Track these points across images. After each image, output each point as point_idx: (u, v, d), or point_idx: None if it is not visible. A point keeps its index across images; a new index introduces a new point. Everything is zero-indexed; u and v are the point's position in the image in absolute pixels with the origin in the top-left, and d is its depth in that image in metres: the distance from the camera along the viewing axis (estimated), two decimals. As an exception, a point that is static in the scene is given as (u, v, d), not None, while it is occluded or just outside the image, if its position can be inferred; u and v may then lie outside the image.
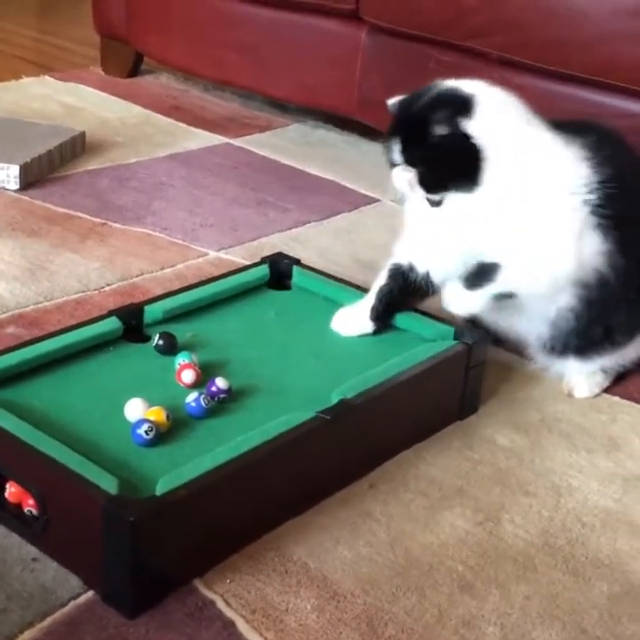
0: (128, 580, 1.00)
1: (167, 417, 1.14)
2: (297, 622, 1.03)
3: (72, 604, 1.02)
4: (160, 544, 1.01)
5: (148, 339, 1.33)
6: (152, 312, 1.36)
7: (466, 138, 1.31)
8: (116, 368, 1.27)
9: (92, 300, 1.61)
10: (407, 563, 1.12)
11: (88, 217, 1.90)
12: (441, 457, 1.31)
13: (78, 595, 1.03)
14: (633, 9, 1.87)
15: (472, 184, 1.32)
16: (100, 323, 1.32)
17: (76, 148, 2.18)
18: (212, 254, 1.81)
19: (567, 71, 1.96)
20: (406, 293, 1.43)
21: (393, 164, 1.36)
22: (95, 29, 2.79)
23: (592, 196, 1.36)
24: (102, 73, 2.81)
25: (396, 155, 1.35)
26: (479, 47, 2.06)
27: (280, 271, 1.53)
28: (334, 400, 1.21)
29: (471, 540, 1.17)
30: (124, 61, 2.79)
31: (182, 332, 1.34)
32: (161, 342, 1.30)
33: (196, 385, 1.23)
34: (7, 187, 1.97)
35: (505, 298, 1.39)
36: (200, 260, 1.79)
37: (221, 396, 1.20)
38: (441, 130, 1.31)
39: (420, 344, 1.36)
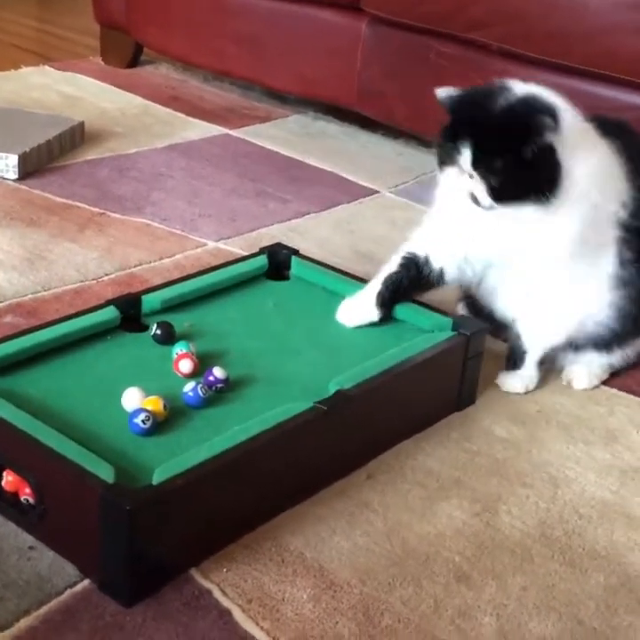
0: (124, 568, 1.00)
1: (164, 406, 1.14)
2: (293, 612, 1.03)
3: (68, 592, 1.02)
4: (157, 533, 1.01)
5: (145, 328, 1.33)
6: (150, 302, 1.36)
7: (553, 151, 1.26)
8: (114, 357, 1.27)
9: (91, 290, 1.60)
10: (404, 553, 1.12)
11: (87, 207, 1.90)
12: (439, 448, 1.31)
13: (75, 583, 1.03)
14: (633, 1, 1.86)
15: (550, 198, 1.27)
16: (98, 312, 1.32)
17: (75, 137, 2.17)
18: (211, 245, 1.81)
19: (568, 63, 1.96)
20: (415, 285, 1.40)
21: (453, 167, 1.30)
22: (95, 19, 2.79)
23: (625, 211, 1.36)
24: (102, 63, 2.81)
25: (465, 161, 1.28)
26: (480, 38, 2.06)
27: (278, 261, 1.52)
28: (332, 391, 1.20)
29: (468, 531, 1.17)
30: (124, 51, 2.78)
31: (180, 321, 1.34)
32: (159, 332, 1.30)
33: (193, 374, 1.23)
34: (6, 176, 1.96)
35: None
36: (199, 250, 1.78)
37: (219, 385, 1.20)
38: (534, 143, 1.24)
39: (418, 335, 1.36)
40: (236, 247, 1.80)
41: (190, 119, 2.45)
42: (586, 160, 1.31)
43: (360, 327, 1.40)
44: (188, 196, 2.00)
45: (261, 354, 1.31)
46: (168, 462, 1.04)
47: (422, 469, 1.26)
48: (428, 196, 2.07)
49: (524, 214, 1.30)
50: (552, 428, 1.38)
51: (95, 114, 2.39)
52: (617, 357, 1.48)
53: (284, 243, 1.59)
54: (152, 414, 1.12)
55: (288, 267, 1.52)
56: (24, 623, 0.98)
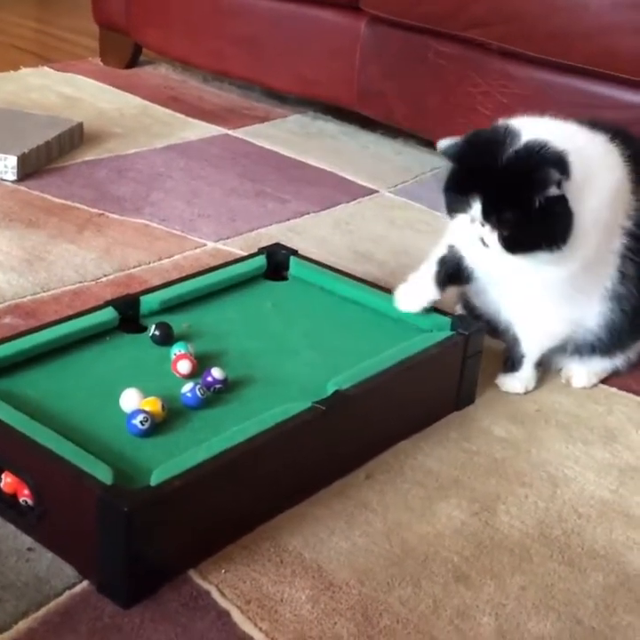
0: (123, 569, 1.00)
1: (163, 407, 1.14)
2: (292, 612, 1.03)
3: (67, 593, 1.02)
4: (155, 534, 1.01)
5: (144, 329, 1.33)
6: (148, 302, 1.36)
7: (564, 200, 1.25)
8: (112, 358, 1.27)
9: (89, 291, 1.60)
10: (403, 553, 1.12)
11: (86, 208, 1.90)
12: (437, 448, 1.31)
13: (73, 584, 1.03)
14: (633, 0, 1.86)
15: (561, 245, 1.27)
16: (97, 313, 1.32)
17: (74, 138, 2.17)
18: (210, 245, 1.81)
19: (567, 62, 1.95)
20: (458, 273, 1.39)
21: (463, 214, 1.29)
22: (94, 20, 2.79)
23: (631, 221, 1.36)
24: (101, 64, 2.81)
25: (476, 212, 1.27)
26: (479, 38, 2.05)
27: (277, 262, 1.52)
28: (330, 391, 1.20)
29: (467, 531, 1.17)
30: (123, 52, 2.78)
31: (179, 322, 1.34)
32: (157, 332, 1.30)
33: (191, 375, 1.23)
34: (5, 177, 1.96)
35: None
36: (198, 250, 1.78)
37: (217, 386, 1.20)
38: (545, 195, 1.23)
39: (417, 334, 1.36)
40: (235, 247, 1.80)
41: (189, 119, 2.45)
42: (598, 192, 1.30)
43: (367, 325, 1.39)
44: (186, 196, 2.00)
45: (260, 354, 1.31)
46: (166, 463, 1.04)
47: (421, 469, 1.26)
48: (428, 196, 2.08)
49: (536, 258, 1.30)
50: (551, 428, 1.38)
51: (94, 114, 2.40)
52: (617, 360, 1.48)
53: (283, 243, 1.59)
54: (150, 415, 1.12)
55: (287, 267, 1.52)
56: (23, 625, 0.98)
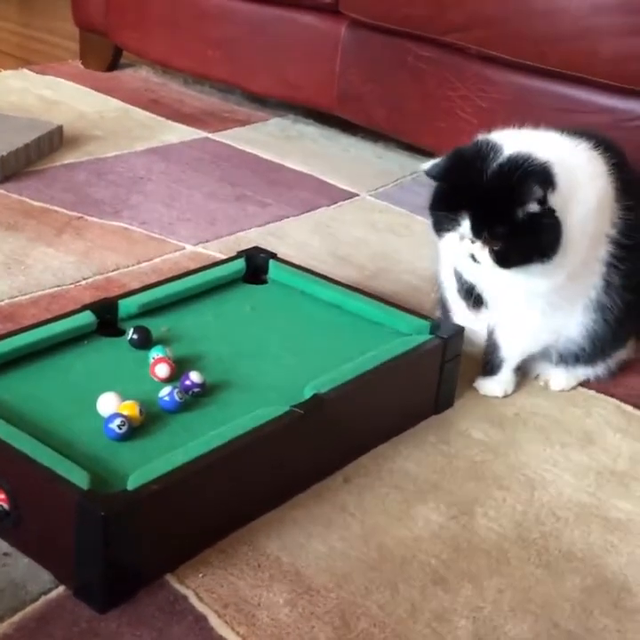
0: (99, 574, 1.00)
1: (140, 411, 1.13)
2: (269, 617, 1.02)
3: (43, 599, 1.01)
4: (132, 539, 1.01)
5: (122, 333, 1.32)
6: (126, 306, 1.35)
7: (553, 212, 1.26)
8: (90, 362, 1.26)
9: (68, 295, 1.60)
10: (381, 557, 1.12)
11: (64, 211, 1.89)
12: (416, 451, 1.31)
13: (49, 590, 1.03)
14: (612, 4, 1.87)
15: (552, 255, 1.28)
16: (74, 317, 1.31)
17: (54, 141, 2.16)
18: (189, 248, 1.81)
19: (546, 66, 1.96)
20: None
21: (452, 233, 1.29)
22: (74, 22, 2.78)
23: (615, 230, 1.37)
24: (81, 66, 2.81)
25: (465, 229, 1.27)
26: (458, 42, 2.06)
27: (256, 265, 1.52)
28: (308, 394, 1.20)
29: (445, 534, 1.17)
30: (103, 55, 2.78)
31: (157, 325, 1.33)
32: (135, 336, 1.29)
33: (170, 379, 1.22)
34: (-17, 180, 1.96)
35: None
36: (177, 254, 1.78)
37: (195, 390, 1.20)
38: (530, 209, 1.24)
39: (396, 338, 1.36)
40: (214, 251, 1.80)
41: (170, 122, 2.45)
42: (584, 201, 1.31)
43: (336, 331, 1.39)
44: (166, 199, 2.00)
45: (238, 358, 1.31)
46: (143, 467, 1.04)
47: (399, 473, 1.27)
48: (408, 199, 2.08)
49: (527, 271, 1.30)
50: (529, 431, 1.38)
51: (74, 117, 2.39)
52: (599, 369, 1.49)
53: (263, 246, 1.59)
54: (128, 419, 1.11)
55: (266, 270, 1.52)
56: (-2, 630, 0.97)
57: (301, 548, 1.12)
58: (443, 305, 1.53)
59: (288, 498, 1.19)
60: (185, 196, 2.02)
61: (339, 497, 1.21)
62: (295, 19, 2.35)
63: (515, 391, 1.47)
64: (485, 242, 1.28)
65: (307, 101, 2.42)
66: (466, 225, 1.27)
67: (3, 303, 1.55)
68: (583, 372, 1.49)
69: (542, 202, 1.25)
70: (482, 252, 1.29)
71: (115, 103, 2.54)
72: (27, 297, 1.58)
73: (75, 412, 1.15)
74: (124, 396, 1.15)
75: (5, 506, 1.07)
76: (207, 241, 1.84)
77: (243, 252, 1.54)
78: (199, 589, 1.05)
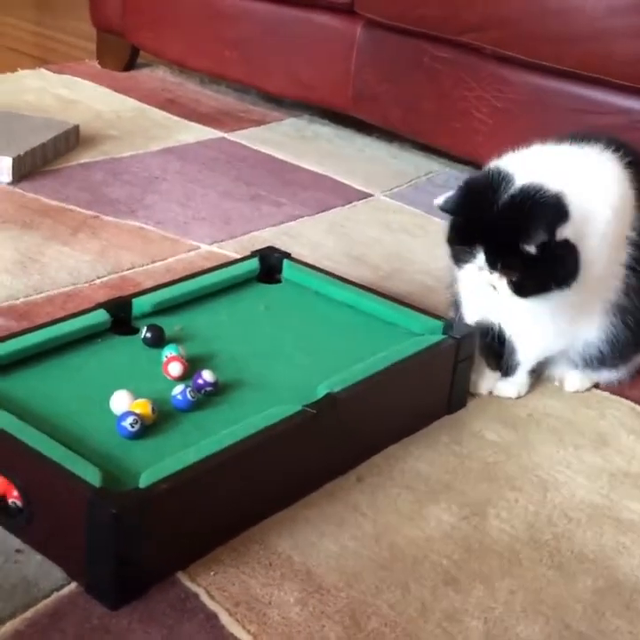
0: (111, 571, 1.00)
1: (153, 410, 1.14)
2: (280, 615, 1.03)
3: (55, 595, 1.02)
4: (143, 536, 1.01)
5: (136, 331, 1.33)
6: (140, 305, 1.36)
7: (565, 242, 1.26)
8: (104, 360, 1.27)
9: (83, 293, 1.60)
10: (392, 556, 1.12)
11: (80, 210, 1.90)
12: (429, 451, 1.31)
13: (61, 586, 1.03)
14: (628, 5, 1.86)
15: (571, 282, 1.28)
16: (88, 315, 1.32)
17: (70, 141, 2.17)
18: (204, 248, 1.81)
19: (562, 67, 1.96)
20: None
21: (470, 264, 1.30)
22: (92, 23, 2.79)
23: (634, 231, 1.37)
24: (98, 66, 2.82)
25: (481, 261, 1.28)
26: (474, 42, 2.06)
27: (270, 265, 1.52)
28: (321, 394, 1.20)
29: (456, 535, 1.17)
30: (120, 55, 2.79)
31: (170, 324, 1.34)
32: (148, 335, 1.30)
33: (182, 378, 1.23)
34: (0, 179, 1.97)
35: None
36: (191, 253, 1.78)
37: (208, 389, 1.20)
38: (539, 240, 1.23)
39: (409, 338, 1.36)
40: (229, 250, 1.80)
41: (186, 122, 2.46)
42: (602, 213, 1.31)
43: (348, 330, 1.39)
44: (181, 199, 2.00)
45: (251, 357, 1.31)
46: (155, 466, 1.04)
47: (412, 473, 1.26)
48: (423, 200, 2.08)
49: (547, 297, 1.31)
50: (542, 432, 1.38)
51: (91, 117, 2.40)
52: (619, 372, 1.48)
53: (277, 246, 1.59)
54: (140, 417, 1.12)
55: (280, 270, 1.52)
56: (10, 627, 0.98)
57: (313, 547, 1.12)
58: (456, 305, 1.52)
59: (300, 497, 1.19)
60: (200, 196, 2.03)
61: (351, 496, 1.21)
62: (311, 19, 2.35)
63: (528, 392, 1.46)
64: (502, 273, 1.28)
65: (322, 101, 2.42)
66: (481, 257, 1.28)
67: (18, 301, 1.56)
68: (602, 375, 1.48)
69: (551, 237, 1.24)
70: (500, 282, 1.29)
71: (131, 103, 2.55)
72: (42, 295, 1.59)
73: (87, 409, 1.16)
74: (136, 395, 1.16)
75: (18, 503, 1.07)
76: (222, 240, 1.84)
77: (257, 251, 1.55)
78: (210, 587, 1.05)
